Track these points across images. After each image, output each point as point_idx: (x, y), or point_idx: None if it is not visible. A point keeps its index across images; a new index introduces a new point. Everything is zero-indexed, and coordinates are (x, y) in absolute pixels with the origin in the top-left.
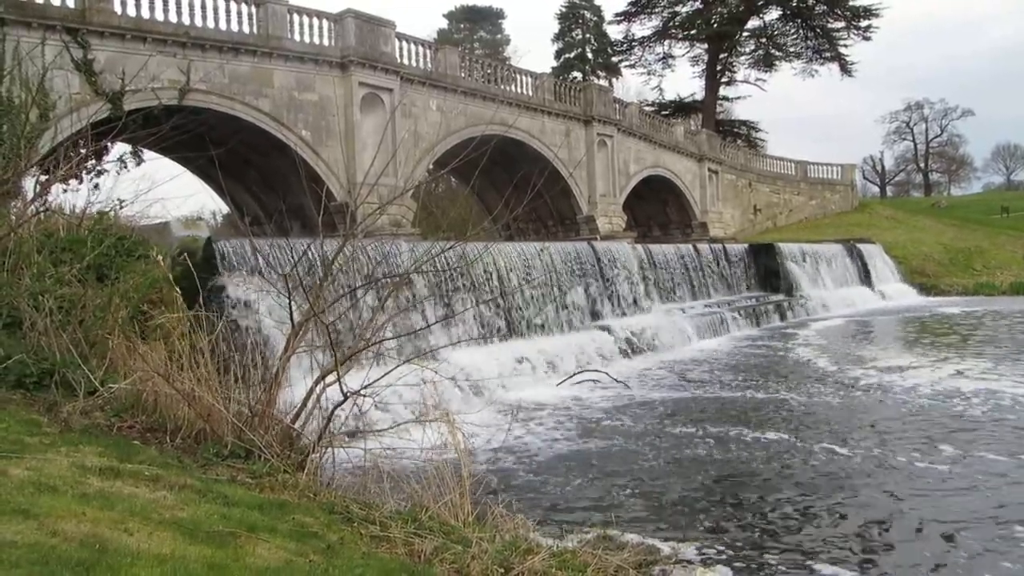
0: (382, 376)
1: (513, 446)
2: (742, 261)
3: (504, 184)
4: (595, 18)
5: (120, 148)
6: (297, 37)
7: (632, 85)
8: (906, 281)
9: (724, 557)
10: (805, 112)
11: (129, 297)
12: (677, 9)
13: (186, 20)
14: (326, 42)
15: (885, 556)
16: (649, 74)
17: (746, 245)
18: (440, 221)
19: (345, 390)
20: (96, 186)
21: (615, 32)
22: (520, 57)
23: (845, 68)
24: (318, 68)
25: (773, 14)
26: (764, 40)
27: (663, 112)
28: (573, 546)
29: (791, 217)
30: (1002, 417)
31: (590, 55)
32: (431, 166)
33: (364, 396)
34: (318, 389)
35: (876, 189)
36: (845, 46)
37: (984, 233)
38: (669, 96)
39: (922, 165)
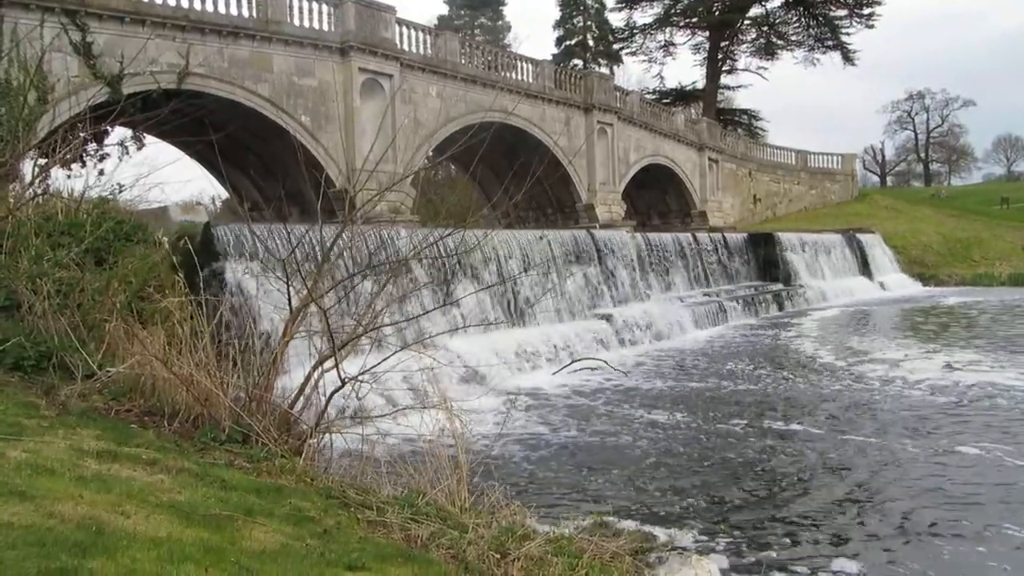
0: (380, 362)
1: (510, 433)
2: (741, 250)
3: (504, 172)
4: (596, 5)
5: (120, 132)
6: (297, 22)
7: (633, 73)
8: (905, 271)
9: (720, 545)
10: (806, 101)
11: (128, 281)
12: None
13: (185, 3)
14: (326, 27)
15: (882, 545)
16: (650, 62)
17: (745, 234)
18: (439, 208)
19: (343, 376)
20: (101, 172)
21: (616, 19)
22: (520, 44)
23: (847, 57)
24: (318, 53)
25: (775, 2)
26: (766, 28)
27: (664, 100)
28: (569, 532)
29: (791, 207)
30: (1000, 409)
31: (591, 42)
32: (430, 153)
33: (362, 382)
34: (316, 375)
35: (876, 179)
36: (847, 34)
37: (984, 224)
38: (670, 84)
39: (923, 155)
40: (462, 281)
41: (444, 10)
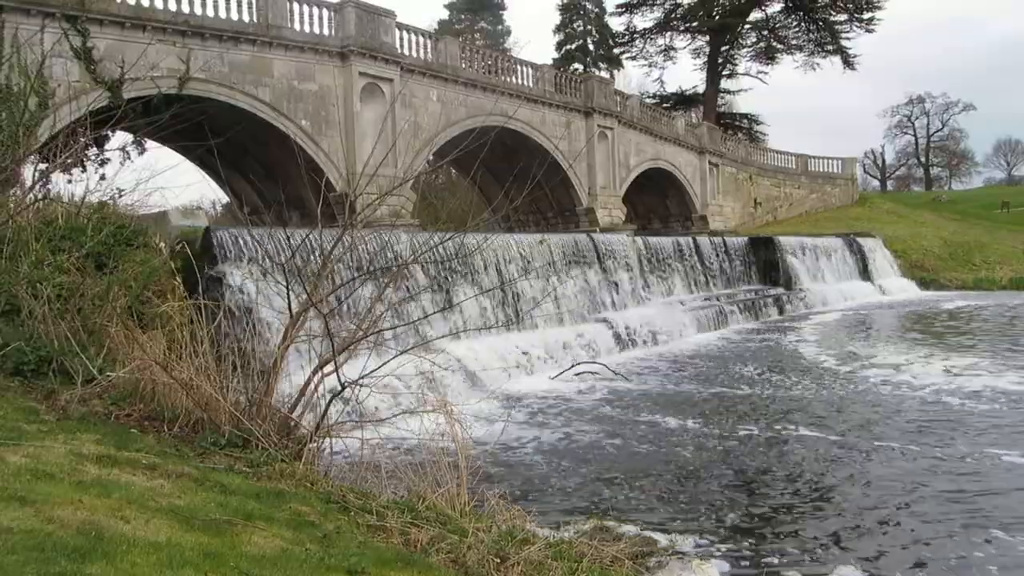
0: (380, 366)
1: (511, 437)
2: (742, 254)
3: (504, 175)
4: (596, 9)
5: (120, 137)
6: (297, 26)
7: (633, 77)
8: (906, 275)
9: (721, 550)
10: (806, 105)
11: (128, 286)
12: (679, 1)
13: (185, 8)
14: (326, 31)
15: (887, 552)
16: (650, 66)
17: (746, 238)
18: (440, 212)
19: (343, 380)
20: (102, 177)
21: (617, 24)
22: (521, 48)
23: (847, 61)
24: (318, 58)
25: (775, 6)
26: (766, 32)
27: (664, 104)
28: (570, 537)
29: (792, 211)
30: (1002, 413)
31: (591, 47)
32: (431, 157)
33: (362, 386)
34: (316, 379)
35: (877, 183)
36: (847, 39)
37: (984, 228)
38: (670, 88)
39: (923, 159)
40: (462, 285)
41: (444, 14)
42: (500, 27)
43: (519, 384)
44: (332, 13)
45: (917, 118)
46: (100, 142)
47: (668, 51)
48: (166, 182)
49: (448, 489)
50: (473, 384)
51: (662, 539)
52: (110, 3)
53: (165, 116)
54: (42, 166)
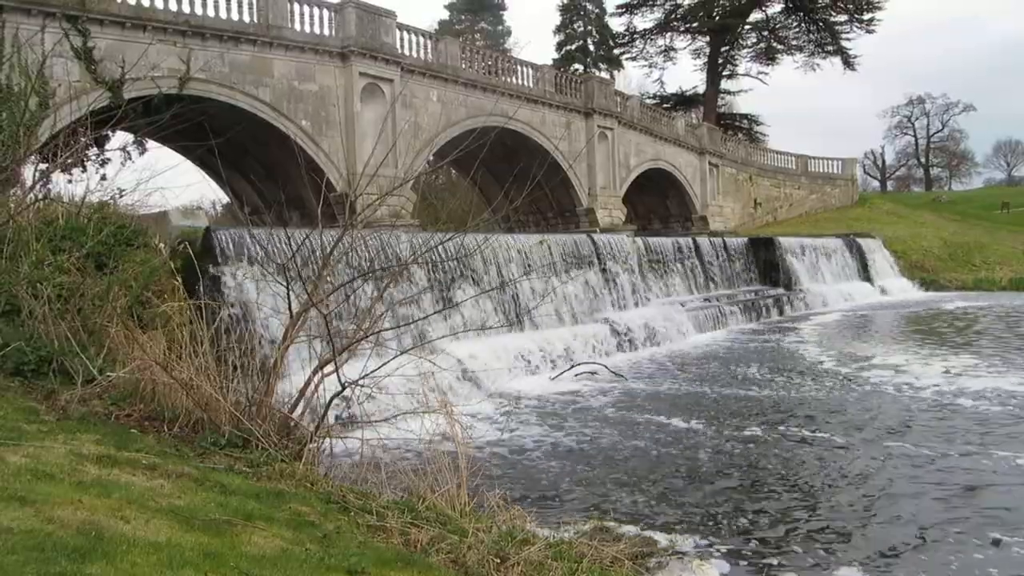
0: (380, 366)
1: (511, 437)
2: (741, 255)
3: (504, 176)
4: (597, 10)
5: (121, 137)
6: (297, 27)
7: (634, 78)
8: (905, 276)
9: (721, 551)
10: (807, 106)
11: (128, 286)
12: (679, 1)
13: (186, 8)
14: (327, 32)
15: (889, 555)
16: (651, 67)
17: (746, 239)
18: (440, 212)
19: (343, 380)
20: (103, 177)
21: (617, 24)
22: (521, 49)
23: (847, 62)
24: (318, 58)
25: (776, 7)
26: (766, 33)
27: (664, 105)
28: (569, 537)
29: (792, 211)
30: (1010, 415)
31: (591, 47)
32: (431, 157)
33: (362, 386)
34: (316, 379)
35: (877, 184)
36: (847, 39)
37: (984, 228)
38: (671, 89)
39: (923, 160)
40: (462, 285)
41: (444, 15)
42: (500, 27)
43: (519, 384)
44: (332, 13)
45: (917, 119)
46: (100, 142)
47: (668, 52)
48: (166, 182)
49: (448, 489)
50: (473, 385)
51: (662, 539)
52: (110, 3)
53: (165, 116)
54: (42, 166)
